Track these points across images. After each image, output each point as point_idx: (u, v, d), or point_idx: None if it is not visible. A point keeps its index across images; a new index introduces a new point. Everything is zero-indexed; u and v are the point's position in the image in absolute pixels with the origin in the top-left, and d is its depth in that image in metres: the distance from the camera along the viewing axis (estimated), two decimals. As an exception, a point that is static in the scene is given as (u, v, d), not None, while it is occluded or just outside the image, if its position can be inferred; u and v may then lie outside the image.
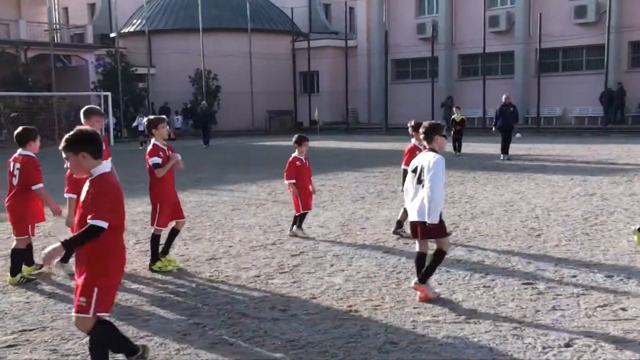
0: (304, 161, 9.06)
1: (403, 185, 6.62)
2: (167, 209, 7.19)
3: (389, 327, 5.26)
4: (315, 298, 6.09)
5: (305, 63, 41.96)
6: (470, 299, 5.91)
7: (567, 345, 4.78)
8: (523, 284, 6.35)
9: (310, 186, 9.15)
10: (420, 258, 6.06)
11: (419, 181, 5.90)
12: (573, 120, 35.07)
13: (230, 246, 8.40)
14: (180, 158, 7.29)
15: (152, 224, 7.25)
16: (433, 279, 6.60)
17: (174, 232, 7.40)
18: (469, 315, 5.48)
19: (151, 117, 7.55)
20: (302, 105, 42.78)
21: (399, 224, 8.71)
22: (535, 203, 11.21)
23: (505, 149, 19.29)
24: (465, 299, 5.92)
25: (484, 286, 6.31)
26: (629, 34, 32.89)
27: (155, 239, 7.25)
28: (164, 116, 7.71)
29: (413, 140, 8.57)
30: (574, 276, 6.58)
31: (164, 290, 6.44)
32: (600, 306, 5.61)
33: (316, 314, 5.63)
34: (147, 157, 7.13)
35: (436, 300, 5.88)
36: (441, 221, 5.92)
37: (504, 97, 20.22)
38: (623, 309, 5.51)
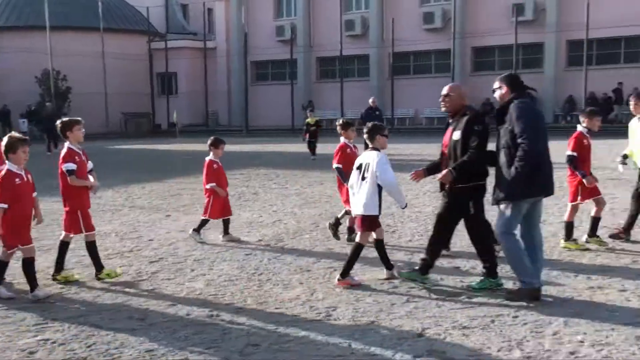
0: (220, 164, 8.88)
1: (346, 181, 7.14)
2: (88, 214, 6.88)
3: (251, 329, 5.25)
4: (175, 305, 5.94)
5: (162, 64, 40.91)
6: (330, 297, 6.04)
7: (420, 335, 5.02)
8: (377, 279, 6.59)
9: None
10: (377, 245, 6.66)
11: (363, 178, 6.39)
12: (424, 121, 36.96)
13: (84, 255, 7.95)
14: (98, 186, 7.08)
15: (76, 232, 6.85)
16: (294, 279, 6.69)
17: (66, 245, 6.95)
18: (329, 312, 5.60)
19: (65, 119, 7.02)
20: (160, 107, 41.66)
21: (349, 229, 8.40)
22: (391, 200, 11.63)
23: None
24: (325, 297, 6.04)
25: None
26: (471, 40, 35.19)
27: (94, 245, 6.90)
28: (79, 118, 7.16)
29: (342, 139, 8.47)
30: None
31: (7, 306, 5.98)
32: (449, 296, 5.95)
33: (176, 321, 5.50)
34: (61, 161, 6.69)
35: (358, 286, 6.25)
36: (377, 217, 6.44)
37: (370, 100, 20.48)
38: (469, 298, 5.88)
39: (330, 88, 38.39)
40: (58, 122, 6.94)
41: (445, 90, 6.26)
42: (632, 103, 8.14)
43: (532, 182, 5.59)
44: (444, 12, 35.48)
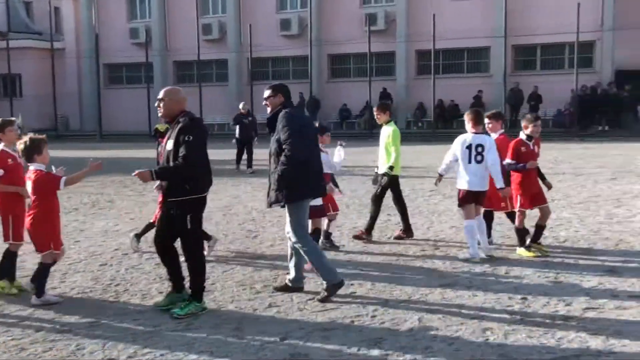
0: None
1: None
2: (21, 222, 6.28)
3: (107, 342, 5.03)
4: (22, 321, 5.56)
5: (4, 65, 38.09)
6: (191, 305, 5.91)
7: (283, 338, 5.05)
8: (241, 285, 6.56)
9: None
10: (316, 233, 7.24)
11: None
12: (284, 126, 37.22)
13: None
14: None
15: (6, 240, 6.38)
16: (154, 288, 6.49)
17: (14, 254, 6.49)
18: (190, 321, 5.49)
19: None
20: (3, 110, 38.62)
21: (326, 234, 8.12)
22: (252, 206, 11.67)
23: (249, 162, 18.35)
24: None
25: (205, 291, 6.35)
26: (328, 47, 36.01)
27: (10, 256, 6.41)
28: (13, 118, 6.57)
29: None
30: (288, 273, 6.97)
31: None
32: (310, 299, 6.04)
33: (23, 338, 5.14)
34: None
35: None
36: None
37: (240, 106, 19.79)
38: (330, 300, 6.00)
39: (188, 93, 36.90)
40: None
41: (160, 95, 5.86)
42: (375, 113, 8.71)
43: (303, 184, 5.94)
44: (301, 19, 36.06)
